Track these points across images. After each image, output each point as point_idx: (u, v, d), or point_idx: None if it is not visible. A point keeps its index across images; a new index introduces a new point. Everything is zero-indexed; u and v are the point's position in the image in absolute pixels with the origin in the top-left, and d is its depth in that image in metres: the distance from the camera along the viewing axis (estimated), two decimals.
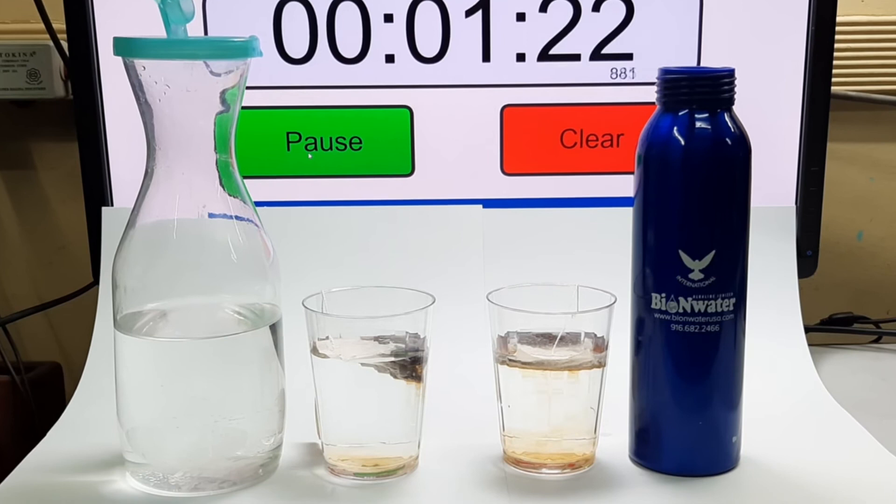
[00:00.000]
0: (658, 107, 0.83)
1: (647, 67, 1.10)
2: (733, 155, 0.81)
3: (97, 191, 1.11)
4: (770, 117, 1.11)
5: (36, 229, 1.34)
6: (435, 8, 1.09)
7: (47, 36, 1.19)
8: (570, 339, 0.84)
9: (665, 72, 0.82)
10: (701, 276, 0.81)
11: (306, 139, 1.11)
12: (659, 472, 0.85)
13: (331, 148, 1.11)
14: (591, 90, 1.11)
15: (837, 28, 1.09)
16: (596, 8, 1.09)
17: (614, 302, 0.84)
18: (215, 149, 0.81)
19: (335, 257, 1.10)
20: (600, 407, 0.86)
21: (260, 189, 1.09)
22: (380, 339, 0.84)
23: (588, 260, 1.08)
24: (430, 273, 1.08)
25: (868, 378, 1.13)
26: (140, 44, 0.77)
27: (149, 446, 0.82)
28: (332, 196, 1.12)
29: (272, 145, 1.11)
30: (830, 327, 1.28)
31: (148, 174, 0.81)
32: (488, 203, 1.12)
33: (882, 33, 1.30)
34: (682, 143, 0.81)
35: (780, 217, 1.11)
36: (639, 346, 0.85)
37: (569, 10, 1.09)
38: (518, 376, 0.84)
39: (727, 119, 0.81)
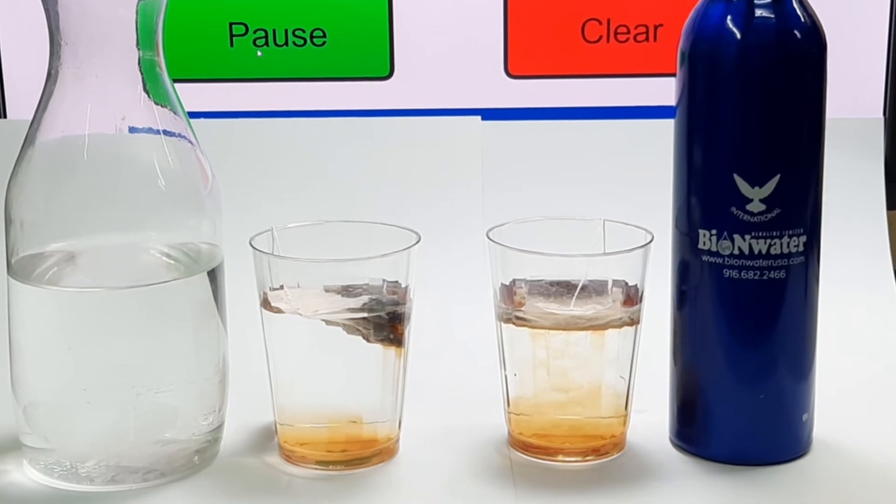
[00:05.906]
0: None
1: None
2: (803, 51, 0.81)
3: None
4: (850, 3, 1.11)
5: None
6: None
7: None
8: (593, 290, 0.84)
9: None
10: (762, 207, 0.81)
11: (254, 32, 1.11)
12: (708, 460, 0.85)
13: (286, 43, 1.11)
14: None
15: None
16: None
17: (651, 241, 0.84)
18: (138, 44, 0.80)
19: (292, 183, 1.10)
20: (632, 376, 0.86)
21: (196, 96, 1.08)
22: (349, 290, 0.84)
23: (617, 187, 1.08)
24: (414, 204, 1.08)
25: None
26: None
27: (53, 427, 0.83)
28: (287, 105, 1.12)
29: (211, 40, 1.11)
30: None
31: (51, 77, 0.81)
32: (488, 114, 1.12)
33: None
34: (738, 36, 0.80)
35: (864, 131, 1.11)
36: (682, 297, 0.85)
37: None
38: (527, 337, 0.84)
39: (795, 5, 0.81)
